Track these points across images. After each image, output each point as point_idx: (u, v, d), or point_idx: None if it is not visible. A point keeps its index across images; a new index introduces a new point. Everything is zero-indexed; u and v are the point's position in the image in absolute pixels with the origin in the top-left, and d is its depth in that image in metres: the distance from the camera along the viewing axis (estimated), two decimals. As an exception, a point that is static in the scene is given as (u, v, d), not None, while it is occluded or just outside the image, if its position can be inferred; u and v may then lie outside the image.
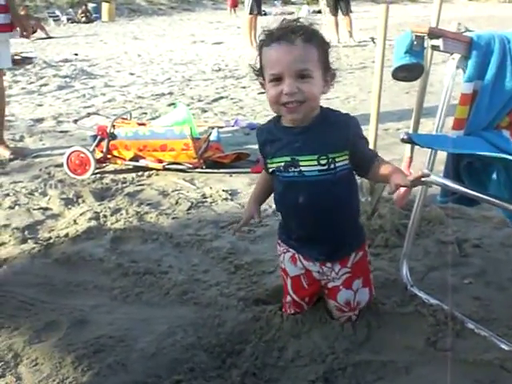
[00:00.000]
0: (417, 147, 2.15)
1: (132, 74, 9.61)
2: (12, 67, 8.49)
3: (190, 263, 2.79)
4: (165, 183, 4.02)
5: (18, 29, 4.77)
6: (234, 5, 25.39)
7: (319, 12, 20.92)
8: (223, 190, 3.76)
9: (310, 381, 1.88)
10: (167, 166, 4.18)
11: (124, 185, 4.01)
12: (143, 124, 4.56)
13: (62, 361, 2.03)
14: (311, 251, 2.06)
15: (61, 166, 4.32)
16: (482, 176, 2.20)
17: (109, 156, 4.26)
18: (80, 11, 25.61)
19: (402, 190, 3.07)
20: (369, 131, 3.09)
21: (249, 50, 11.04)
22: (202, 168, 4.13)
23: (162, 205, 3.61)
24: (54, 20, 24.45)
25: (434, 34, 2.16)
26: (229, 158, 4.25)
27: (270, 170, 2.02)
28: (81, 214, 3.42)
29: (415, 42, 2.20)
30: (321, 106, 1.95)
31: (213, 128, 4.95)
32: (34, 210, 3.59)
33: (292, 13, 25.42)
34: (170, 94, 7.68)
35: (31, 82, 8.72)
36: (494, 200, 2.02)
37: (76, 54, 12.30)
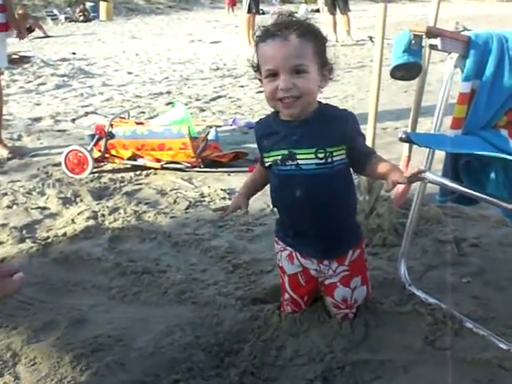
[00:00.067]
0: (415, 146, 2.16)
1: (130, 73, 9.60)
2: (10, 66, 8.51)
3: (188, 262, 2.79)
4: (163, 182, 4.02)
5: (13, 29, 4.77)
6: (232, 4, 25.43)
7: (317, 11, 20.91)
8: (221, 189, 3.76)
9: (309, 380, 1.88)
10: (165, 165, 4.18)
11: (122, 184, 4.00)
12: (141, 123, 4.56)
13: (60, 360, 2.03)
14: (308, 248, 2.05)
15: (59, 165, 4.32)
16: (480, 175, 2.20)
17: (107, 155, 4.26)
18: (78, 10, 25.59)
19: (400, 188, 3.07)
20: (367, 130, 3.09)
21: (247, 49, 11.05)
22: (200, 167, 4.13)
23: (160, 204, 3.61)
24: (52, 19, 24.42)
25: (431, 33, 2.16)
26: (227, 157, 4.25)
27: (267, 164, 2.01)
28: (79, 213, 3.41)
29: (413, 41, 2.20)
30: (319, 102, 1.95)
31: (211, 127, 4.96)
32: (32, 209, 3.58)
33: (290, 12, 25.40)
34: (168, 93, 7.68)
35: (29, 81, 8.72)
36: (492, 199, 2.02)
37: (74, 53, 12.29)
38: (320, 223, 1.99)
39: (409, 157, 3.10)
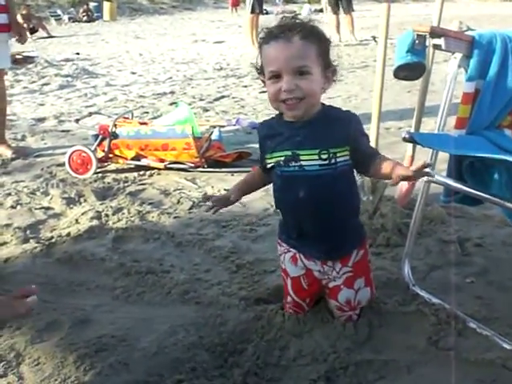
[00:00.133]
0: (418, 146, 2.15)
1: (133, 73, 9.61)
2: (14, 66, 8.52)
3: (191, 262, 2.79)
4: (166, 182, 4.02)
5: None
6: (236, 4, 25.43)
7: (321, 11, 20.90)
8: (225, 190, 3.76)
9: (312, 380, 1.88)
10: (169, 166, 4.18)
11: (126, 184, 4.01)
12: (145, 123, 4.56)
13: (63, 360, 2.03)
14: (311, 249, 2.05)
15: (63, 165, 4.32)
16: (484, 175, 2.19)
17: (110, 155, 4.26)
18: (81, 10, 25.64)
19: (404, 188, 3.07)
20: (370, 130, 3.08)
21: (250, 49, 11.05)
22: (203, 167, 4.13)
23: (164, 204, 3.61)
24: (56, 19, 24.48)
25: (435, 32, 2.16)
26: (230, 157, 4.25)
27: (270, 165, 2.01)
28: (83, 214, 3.42)
29: (417, 41, 2.20)
30: (322, 103, 1.95)
31: (214, 127, 4.95)
32: (36, 209, 3.59)
33: (294, 11, 25.42)
34: (172, 93, 7.68)
35: (33, 82, 8.73)
36: (496, 199, 2.02)
37: (77, 54, 12.31)
38: (323, 224, 1.99)
39: (412, 157, 3.10)
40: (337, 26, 12.20)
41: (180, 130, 4.03)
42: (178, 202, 3.62)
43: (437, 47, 2.19)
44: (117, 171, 4.28)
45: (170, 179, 4.09)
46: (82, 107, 6.87)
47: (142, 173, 4.20)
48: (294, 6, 27.75)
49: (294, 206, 1.99)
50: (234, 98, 7.17)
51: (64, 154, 4.36)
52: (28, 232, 3.20)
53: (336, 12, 12.22)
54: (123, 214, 3.41)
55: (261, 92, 7.06)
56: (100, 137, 4.23)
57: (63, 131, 5.71)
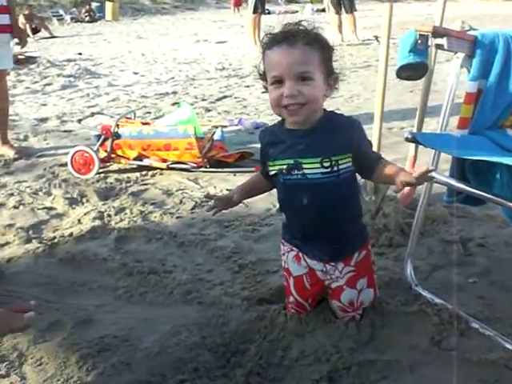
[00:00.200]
0: (421, 146, 2.15)
1: (136, 73, 9.62)
2: (16, 67, 8.53)
3: (194, 262, 2.79)
4: (169, 182, 4.03)
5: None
6: (238, 4, 25.47)
7: (323, 10, 20.91)
8: (227, 190, 3.76)
9: (315, 380, 1.88)
10: (171, 166, 4.18)
11: (128, 184, 4.01)
12: (147, 123, 4.57)
13: (66, 360, 2.04)
14: (315, 250, 2.06)
15: (65, 165, 4.33)
16: (487, 175, 2.19)
17: (113, 155, 4.27)
18: (84, 10, 25.69)
19: (407, 188, 3.07)
20: (373, 130, 3.09)
21: (252, 49, 11.05)
22: (205, 167, 4.13)
23: (166, 204, 3.62)
24: (58, 19, 24.52)
25: (438, 32, 2.16)
26: (233, 157, 4.25)
27: (272, 172, 2.02)
28: (85, 214, 3.42)
29: (419, 41, 2.20)
30: (324, 109, 1.95)
31: (217, 127, 4.96)
32: (39, 209, 3.59)
33: (296, 11, 25.41)
34: (174, 93, 7.68)
35: (35, 82, 8.74)
36: (499, 199, 2.01)
37: (80, 54, 12.32)
38: (326, 227, 2.00)
39: (415, 157, 3.10)
40: (339, 26, 12.19)
41: (182, 130, 4.03)
42: (181, 202, 3.62)
43: (439, 47, 2.19)
44: (119, 171, 4.28)
45: (172, 179, 4.09)
46: (85, 107, 6.88)
47: (144, 173, 4.21)
48: (296, 6, 27.80)
49: (298, 211, 2.01)
50: (236, 98, 7.17)
51: (66, 154, 4.37)
52: (30, 232, 3.21)
53: (338, 12, 12.21)
54: (125, 214, 3.42)
55: (263, 92, 6.96)
56: (102, 137, 4.23)
57: (65, 131, 5.72)
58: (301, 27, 1.87)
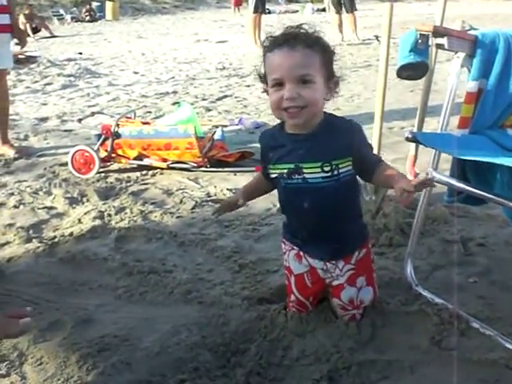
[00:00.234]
0: (421, 145, 2.15)
1: (136, 72, 9.62)
2: (16, 66, 8.53)
3: (194, 262, 2.79)
4: (169, 182, 4.03)
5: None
6: (238, 3, 25.47)
7: (323, 10, 20.91)
8: (227, 189, 3.76)
9: (315, 380, 1.88)
10: (171, 165, 4.18)
11: (128, 184, 4.01)
12: (147, 123, 4.57)
13: (66, 360, 2.04)
14: (316, 250, 2.07)
15: (65, 165, 4.33)
16: (487, 175, 2.19)
17: (113, 155, 4.27)
18: (84, 10, 25.72)
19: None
20: (373, 129, 3.09)
21: (253, 49, 11.05)
22: (206, 167, 4.13)
23: (167, 204, 3.62)
24: (58, 19, 24.54)
25: (438, 32, 2.16)
26: (233, 156, 4.25)
27: (273, 175, 2.02)
28: (85, 213, 3.42)
29: (420, 41, 2.19)
30: (324, 112, 1.95)
31: (217, 127, 4.97)
32: (39, 209, 3.59)
33: (296, 11, 25.43)
34: (174, 92, 7.68)
35: (35, 81, 8.74)
36: (499, 199, 2.01)
37: (80, 53, 12.33)
38: (327, 229, 2.01)
39: (415, 156, 3.10)
40: (339, 25, 12.20)
41: (182, 130, 4.03)
42: (181, 201, 3.62)
43: (440, 47, 2.19)
44: (119, 171, 4.28)
45: (172, 179, 4.09)
46: (85, 107, 6.88)
47: (144, 172, 4.21)
48: (297, 6, 27.81)
49: (299, 214, 2.02)
50: (236, 97, 7.17)
51: (67, 153, 4.37)
52: (31, 232, 3.21)
53: (339, 11, 12.21)
54: (126, 213, 3.41)
55: (263, 91, 7.04)
56: (103, 136, 4.23)
57: (66, 131, 5.72)
58: (302, 30, 1.87)
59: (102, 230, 3.17)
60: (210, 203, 2.21)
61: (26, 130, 5.77)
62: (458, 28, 2.34)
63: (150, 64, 10.66)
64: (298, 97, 1.80)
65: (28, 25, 18.38)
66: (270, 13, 19.87)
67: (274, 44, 1.85)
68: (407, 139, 2.06)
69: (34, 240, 3.07)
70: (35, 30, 18.74)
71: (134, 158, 4.25)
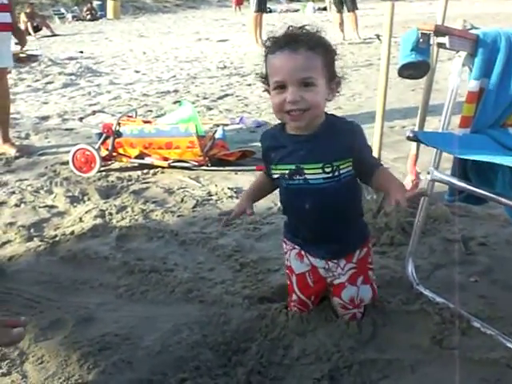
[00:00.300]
0: (423, 145, 2.15)
1: (137, 71, 9.62)
2: (17, 65, 8.53)
3: (195, 261, 2.79)
4: (170, 181, 4.03)
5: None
6: (239, 2, 25.50)
7: (324, 9, 20.90)
8: (228, 188, 3.76)
9: (316, 379, 1.87)
10: (172, 164, 4.18)
11: (129, 183, 4.01)
12: (148, 122, 4.57)
13: (67, 359, 2.04)
14: (317, 250, 2.07)
15: (66, 163, 4.33)
16: (489, 174, 2.19)
17: (114, 154, 4.27)
18: (85, 9, 25.73)
19: (409, 187, 3.06)
20: (374, 128, 3.09)
21: (254, 48, 11.03)
22: (207, 166, 4.13)
23: (168, 203, 3.62)
24: (59, 18, 24.57)
25: (440, 31, 2.15)
26: (234, 155, 4.25)
27: (275, 176, 2.02)
28: (86, 212, 3.42)
29: (421, 40, 2.19)
30: (326, 113, 1.95)
31: (218, 126, 4.96)
32: (40, 207, 3.59)
33: (297, 10, 25.42)
34: (175, 91, 7.68)
35: (36, 80, 8.75)
36: (501, 199, 2.01)
37: (81, 52, 12.33)
38: (328, 231, 2.02)
39: (416, 155, 3.10)
40: (340, 24, 12.20)
41: (184, 129, 4.03)
42: (182, 200, 3.62)
43: (441, 46, 2.19)
44: (120, 170, 4.28)
45: (173, 178, 4.09)
46: (86, 106, 6.88)
47: (145, 171, 4.21)
48: (298, 5, 27.78)
49: (300, 215, 2.02)
50: (237, 96, 7.17)
51: (68, 152, 4.37)
52: (32, 230, 3.21)
53: (340, 10, 12.21)
54: (127, 212, 3.42)
55: (264, 91, 7.04)
56: (104, 135, 4.23)
57: (67, 130, 5.72)
58: (304, 31, 1.86)
59: (103, 229, 3.18)
60: (220, 216, 2.18)
61: (27, 128, 5.77)
62: (460, 27, 2.34)
63: (151, 63, 10.66)
64: (300, 100, 1.80)
65: (29, 23, 18.41)
66: (271, 12, 19.88)
67: (276, 46, 1.84)
68: (408, 138, 2.06)
69: (35, 239, 3.07)
70: (36, 29, 18.75)
71: (135, 157, 4.25)
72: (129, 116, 4.59)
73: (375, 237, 2.79)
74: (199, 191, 3.78)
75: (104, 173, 4.19)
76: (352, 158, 1.91)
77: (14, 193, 3.86)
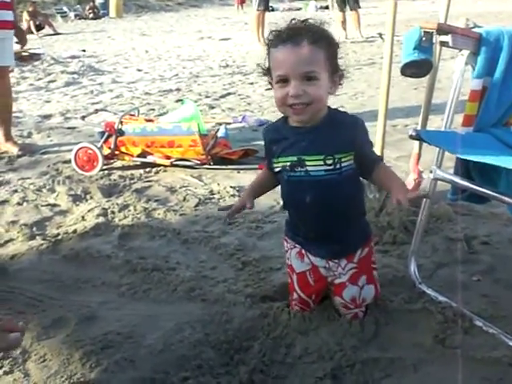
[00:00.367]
0: (425, 143, 2.15)
1: (139, 70, 9.62)
2: (20, 63, 8.54)
3: (197, 260, 2.79)
4: (172, 179, 4.02)
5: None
6: (242, 1, 25.49)
7: (327, 8, 20.87)
8: (231, 187, 3.76)
9: (318, 378, 1.87)
10: (175, 163, 4.18)
11: (132, 181, 4.01)
12: (151, 120, 4.57)
13: (69, 357, 2.04)
14: (318, 248, 2.07)
15: (69, 162, 4.33)
16: (491, 173, 2.18)
17: (116, 152, 4.27)
18: (88, 7, 25.73)
19: (411, 185, 3.06)
20: (377, 127, 3.08)
21: (256, 46, 11.02)
22: (209, 164, 4.13)
23: (170, 201, 3.61)
24: (62, 16, 24.58)
25: (442, 30, 2.15)
26: (236, 154, 4.25)
27: (276, 169, 2.02)
28: (89, 211, 3.42)
29: (424, 38, 2.19)
30: (328, 107, 1.95)
31: (220, 124, 4.97)
32: (42, 206, 3.60)
33: (299, 8, 25.40)
34: (178, 90, 7.68)
35: (39, 79, 8.75)
36: (504, 197, 2.00)
37: (84, 51, 12.34)
38: (329, 225, 2.01)
39: (419, 154, 3.09)
40: (343, 23, 12.17)
41: (186, 127, 4.03)
42: (184, 199, 3.62)
43: (444, 44, 2.18)
44: (123, 168, 4.29)
45: (176, 176, 4.09)
46: (88, 104, 6.89)
47: (148, 170, 4.21)
48: (300, 3, 27.74)
49: (301, 208, 2.01)
50: (240, 95, 7.17)
51: (70, 150, 4.37)
52: (34, 229, 3.21)
53: (342, 9, 12.18)
54: (129, 211, 3.42)
55: (267, 89, 7.04)
56: (106, 134, 4.23)
57: (69, 128, 5.72)
58: (306, 24, 1.86)
59: (106, 228, 3.18)
60: (220, 210, 2.20)
61: (29, 127, 5.77)
62: (463, 26, 2.34)
63: (154, 61, 10.66)
64: (303, 94, 1.80)
65: (31, 22, 18.42)
66: (273, 10, 19.85)
67: (279, 39, 1.84)
68: (411, 137, 2.06)
69: (37, 237, 3.07)
70: (39, 28, 18.75)
71: (138, 156, 4.25)
72: (131, 114, 4.59)
73: (377, 235, 2.78)
74: (201, 190, 3.78)
75: (106, 171, 4.20)
76: (354, 152, 1.91)
77: (16, 191, 3.86)
